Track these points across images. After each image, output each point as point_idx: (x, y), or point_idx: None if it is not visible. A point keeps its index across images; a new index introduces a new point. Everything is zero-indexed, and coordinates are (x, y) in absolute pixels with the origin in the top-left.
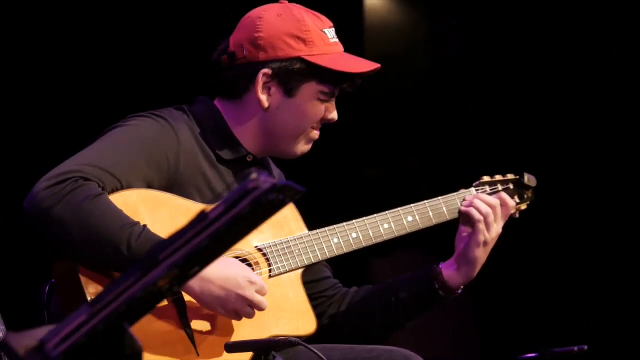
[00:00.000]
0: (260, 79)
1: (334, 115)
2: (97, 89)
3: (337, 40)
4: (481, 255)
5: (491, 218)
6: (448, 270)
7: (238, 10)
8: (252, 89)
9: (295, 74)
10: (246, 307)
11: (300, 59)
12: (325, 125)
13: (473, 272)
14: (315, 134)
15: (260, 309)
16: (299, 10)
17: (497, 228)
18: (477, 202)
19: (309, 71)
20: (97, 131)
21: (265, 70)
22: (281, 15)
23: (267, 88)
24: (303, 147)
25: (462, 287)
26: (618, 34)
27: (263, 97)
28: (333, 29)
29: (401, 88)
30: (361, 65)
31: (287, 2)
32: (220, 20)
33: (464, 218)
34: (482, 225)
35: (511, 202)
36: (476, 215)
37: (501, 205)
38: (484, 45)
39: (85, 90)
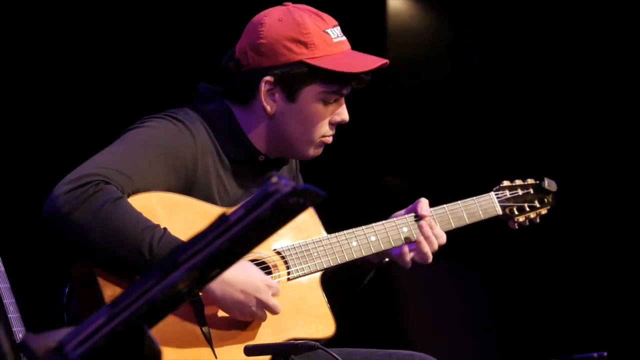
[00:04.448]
0: (264, 86)
1: (344, 116)
2: (109, 90)
3: (342, 39)
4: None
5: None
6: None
7: (248, 12)
8: (258, 96)
9: (297, 78)
10: (262, 311)
11: (302, 63)
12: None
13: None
14: (328, 138)
15: (275, 313)
16: (301, 12)
17: (423, 257)
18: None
19: (311, 74)
20: (110, 131)
21: (268, 77)
22: (282, 20)
23: (271, 95)
24: (314, 150)
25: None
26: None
27: (267, 105)
28: (338, 27)
29: (422, 93)
30: (365, 63)
31: (291, 4)
32: (229, 22)
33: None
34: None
35: (435, 241)
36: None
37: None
38: (506, 52)
39: (97, 91)
